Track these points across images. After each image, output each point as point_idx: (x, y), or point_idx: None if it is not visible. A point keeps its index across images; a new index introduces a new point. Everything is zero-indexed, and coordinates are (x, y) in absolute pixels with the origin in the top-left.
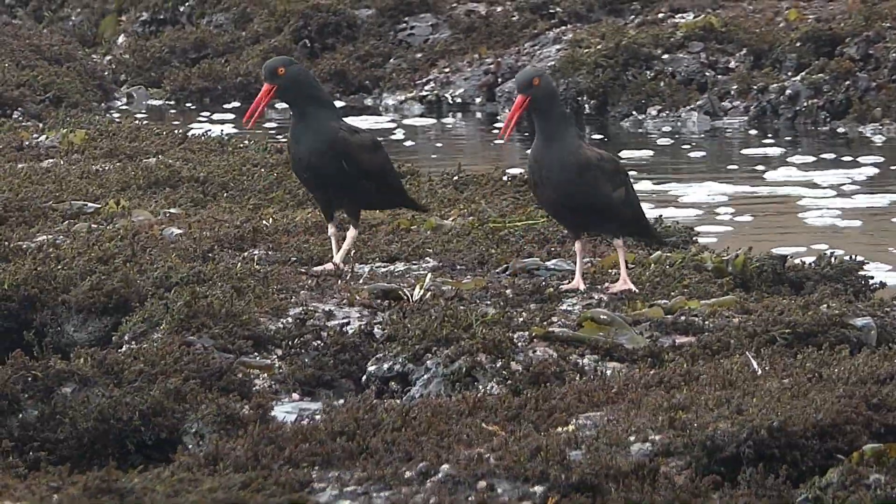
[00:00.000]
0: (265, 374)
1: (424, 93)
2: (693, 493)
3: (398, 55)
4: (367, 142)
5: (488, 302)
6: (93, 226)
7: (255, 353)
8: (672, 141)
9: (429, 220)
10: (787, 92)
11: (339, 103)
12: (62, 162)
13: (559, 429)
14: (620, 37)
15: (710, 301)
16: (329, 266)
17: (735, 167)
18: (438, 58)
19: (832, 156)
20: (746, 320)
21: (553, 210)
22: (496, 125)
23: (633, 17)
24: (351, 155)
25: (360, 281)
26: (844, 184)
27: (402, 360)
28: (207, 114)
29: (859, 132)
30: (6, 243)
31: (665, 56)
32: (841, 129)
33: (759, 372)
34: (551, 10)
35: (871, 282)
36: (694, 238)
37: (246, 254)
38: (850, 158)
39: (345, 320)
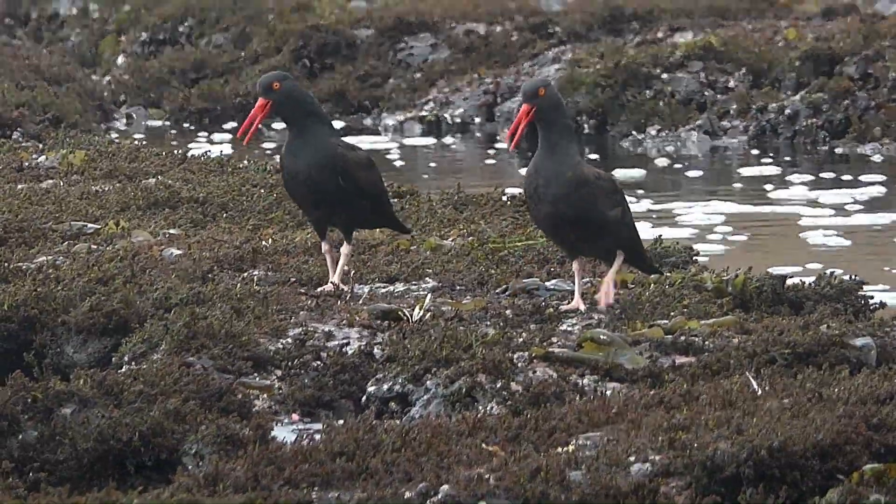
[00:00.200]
0: (265, 395)
1: (424, 113)
2: None
3: (397, 75)
4: (363, 159)
5: (488, 322)
6: (92, 246)
7: (255, 374)
8: (671, 160)
9: (428, 240)
10: (787, 111)
11: (338, 123)
12: (62, 183)
13: (559, 449)
14: (620, 56)
15: (709, 321)
16: (329, 287)
17: (734, 186)
18: (438, 78)
19: (832, 175)
20: (746, 340)
21: (548, 226)
22: (496, 145)
23: (632, 36)
24: (349, 172)
25: (360, 301)
26: (844, 203)
27: (402, 381)
28: (206, 134)
29: (859, 151)
30: (6, 264)
31: (664, 75)
32: (840, 149)
33: (759, 392)
34: (550, 30)
35: (870, 302)
36: (694, 258)
37: (245, 274)
38: (849, 178)
39: (344, 341)
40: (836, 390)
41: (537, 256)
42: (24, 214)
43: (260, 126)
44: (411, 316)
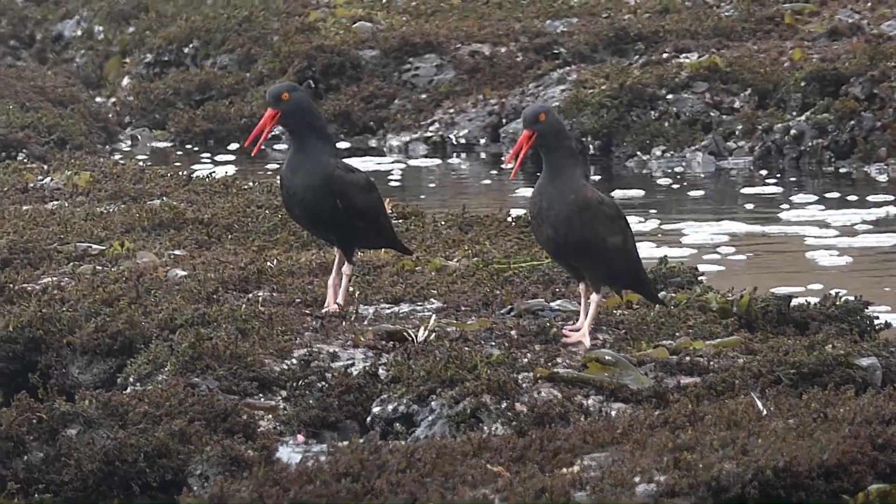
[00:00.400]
0: (270, 416)
1: (429, 133)
2: None
3: (403, 96)
4: (361, 181)
5: (493, 343)
6: (97, 267)
7: (260, 395)
8: (676, 181)
9: (433, 261)
10: (792, 132)
11: (343, 144)
12: (67, 204)
13: (564, 470)
14: (625, 77)
15: (714, 341)
16: (333, 308)
17: (739, 207)
18: (443, 98)
19: (837, 195)
20: (751, 360)
21: (550, 249)
22: (501, 165)
23: (637, 57)
24: (346, 194)
25: (365, 322)
26: (849, 223)
27: (407, 402)
28: (209, 155)
29: (864, 172)
30: (11, 285)
31: (669, 96)
32: (846, 169)
33: (765, 412)
34: (555, 51)
35: (875, 322)
36: (698, 278)
37: (250, 295)
38: (855, 198)
39: (349, 361)
40: (841, 410)
41: (542, 277)
42: (29, 235)
43: (265, 144)
44: (416, 336)
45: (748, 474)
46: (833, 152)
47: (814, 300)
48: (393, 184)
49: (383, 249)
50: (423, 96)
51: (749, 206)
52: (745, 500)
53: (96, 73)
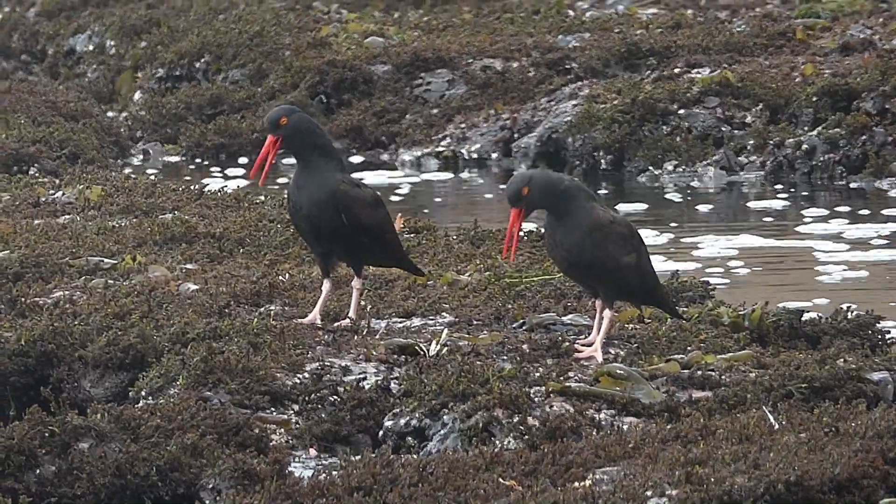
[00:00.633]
0: (282, 430)
1: (441, 148)
2: None
3: (414, 111)
4: (367, 197)
5: (505, 357)
6: (109, 282)
7: (272, 409)
8: (688, 195)
9: (445, 275)
10: (804, 147)
11: (356, 158)
12: (79, 218)
13: (576, 484)
14: (636, 92)
15: (726, 355)
16: (345, 322)
17: (751, 221)
18: (455, 113)
19: (849, 210)
20: (763, 375)
21: (563, 267)
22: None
23: (648, 72)
24: (351, 209)
25: (377, 336)
26: (861, 238)
27: (419, 416)
28: (219, 169)
29: (876, 186)
30: (23, 299)
31: (681, 111)
32: (857, 184)
33: (776, 426)
34: (567, 66)
35: (887, 336)
36: (710, 292)
37: (262, 309)
38: (866, 212)
39: (361, 375)
40: (852, 425)
41: (554, 291)
42: (41, 250)
43: (274, 162)
44: (428, 351)
45: (760, 488)
46: (845, 167)
47: (825, 314)
48: (405, 198)
49: (394, 269)
50: (435, 111)
51: (760, 221)
52: None
53: (108, 87)
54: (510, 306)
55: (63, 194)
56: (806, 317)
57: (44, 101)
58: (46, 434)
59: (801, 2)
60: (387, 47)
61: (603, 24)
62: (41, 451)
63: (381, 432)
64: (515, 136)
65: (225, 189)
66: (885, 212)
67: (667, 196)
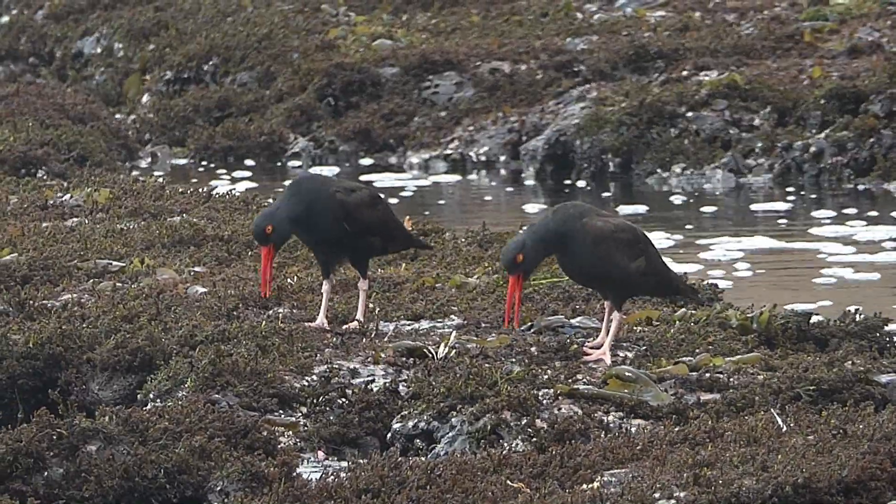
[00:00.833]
0: (290, 432)
1: (449, 151)
2: None
3: (422, 113)
4: (365, 198)
5: (513, 360)
6: (117, 284)
7: (280, 411)
8: (696, 198)
9: (453, 278)
10: (812, 149)
11: (363, 161)
12: (87, 221)
13: (584, 486)
14: (644, 95)
15: (734, 358)
16: (354, 324)
17: (759, 224)
18: (463, 116)
19: (857, 212)
20: (771, 377)
21: (579, 282)
22: (520, 183)
23: (657, 75)
24: (352, 214)
25: (385, 339)
26: (869, 240)
27: (427, 418)
28: (226, 171)
29: (884, 189)
30: (31, 302)
31: (689, 114)
32: (865, 186)
33: (784, 429)
34: (575, 69)
35: (895, 339)
36: (719, 295)
37: (270, 312)
38: (874, 214)
39: (370, 378)
40: (860, 427)
41: (562, 294)
42: (49, 252)
43: (281, 162)
44: (436, 353)
45: (768, 490)
46: (852, 170)
47: (833, 317)
48: (412, 201)
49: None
50: (443, 114)
51: (768, 223)
52: None
53: (116, 90)
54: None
55: (71, 197)
56: (814, 319)
57: (52, 104)
58: (54, 436)
59: (808, 4)
60: (395, 50)
61: (611, 26)
62: (49, 453)
63: (389, 435)
64: (524, 138)
65: (233, 192)
66: (893, 214)
67: (674, 199)
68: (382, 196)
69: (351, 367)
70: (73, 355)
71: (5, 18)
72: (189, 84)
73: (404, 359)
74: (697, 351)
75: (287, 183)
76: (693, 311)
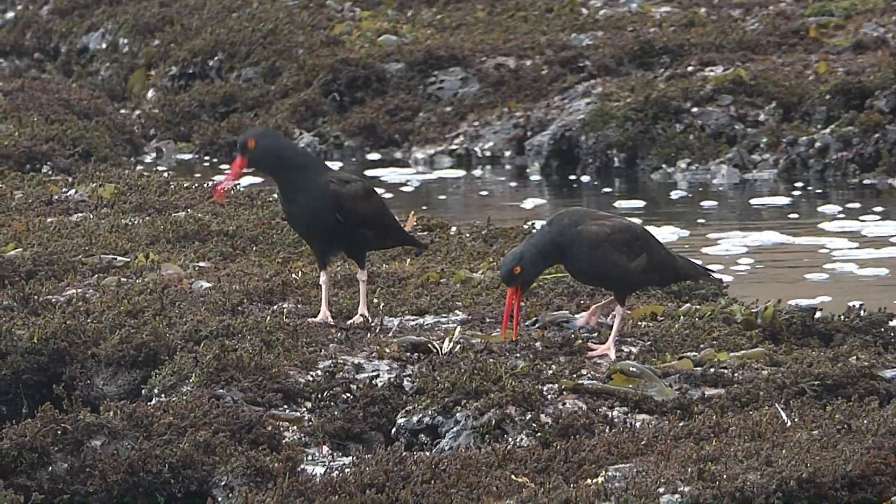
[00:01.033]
0: (295, 427)
1: (454, 146)
2: None
3: (428, 109)
4: (359, 190)
5: (518, 355)
6: (122, 279)
7: (285, 406)
8: (701, 193)
9: (458, 273)
10: (817, 145)
11: (370, 156)
12: (91, 216)
13: (589, 481)
14: (650, 90)
15: (739, 353)
16: (358, 319)
17: (763, 219)
18: (468, 111)
19: (862, 208)
20: (775, 372)
21: (580, 280)
22: (526, 178)
23: (662, 70)
24: (345, 206)
25: (390, 334)
26: (873, 235)
27: (432, 413)
28: (229, 166)
29: (889, 184)
30: (36, 297)
31: (694, 109)
32: (870, 182)
33: (788, 423)
34: (581, 64)
35: None
36: (723, 290)
37: (275, 307)
38: (880, 209)
39: (374, 373)
40: (865, 422)
41: (567, 289)
42: (54, 248)
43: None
44: (441, 348)
45: (772, 485)
46: (858, 165)
47: (838, 312)
48: (417, 196)
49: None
50: (448, 109)
51: (773, 219)
52: None
53: (121, 85)
54: (523, 304)
55: (76, 192)
56: (818, 314)
57: (57, 100)
58: (59, 431)
59: (814, 0)
60: (400, 45)
61: (616, 22)
62: (54, 448)
63: (393, 430)
64: (529, 133)
65: (238, 187)
66: None
67: (679, 194)
68: (376, 190)
69: (355, 362)
70: (77, 350)
71: (10, 14)
72: (194, 79)
73: (409, 354)
74: (702, 346)
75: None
76: (698, 307)
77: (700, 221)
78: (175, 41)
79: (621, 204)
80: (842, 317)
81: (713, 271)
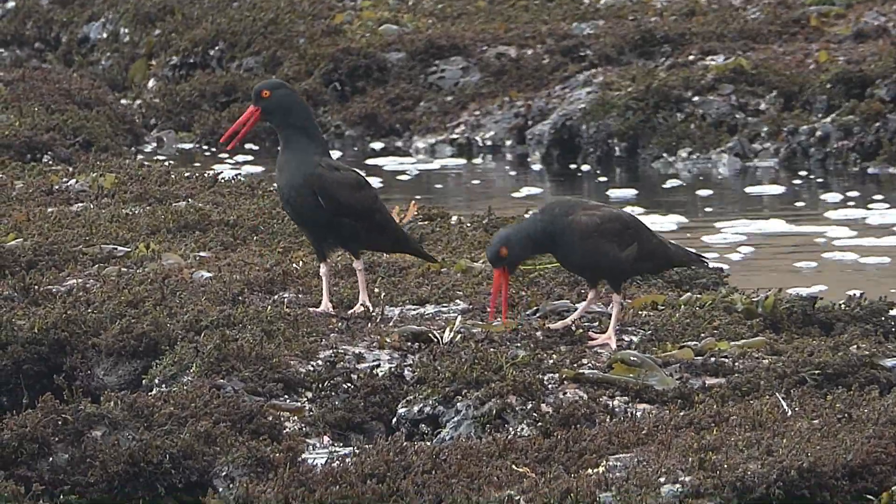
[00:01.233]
0: (295, 417)
1: (455, 135)
2: None
3: (429, 98)
4: (347, 179)
5: (518, 344)
6: (123, 269)
7: (286, 396)
8: (702, 182)
9: (459, 262)
10: (818, 133)
11: (373, 145)
12: (92, 206)
13: (589, 470)
14: (651, 79)
15: (739, 342)
16: (359, 308)
17: (765, 208)
18: (469, 101)
19: (863, 197)
20: (776, 361)
21: (571, 271)
22: (526, 168)
23: (663, 59)
24: (327, 192)
25: (391, 324)
26: (874, 224)
27: (433, 403)
28: (227, 155)
29: (890, 173)
30: (36, 287)
31: (695, 98)
32: (872, 170)
33: (789, 413)
34: (582, 53)
35: None
36: (724, 279)
37: (276, 297)
38: (880, 198)
39: (375, 363)
40: (865, 411)
41: (568, 278)
42: (55, 237)
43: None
44: (442, 338)
45: (773, 475)
46: (858, 154)
47: (839, 301)
48: (418, 185)
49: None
50: (449, 98)
51: (774, 208)
52: (770, 500)
53: (122, 75)
54: (524, 293)
55: (76, 182)
56: (819, 303)
57: (57, 89)
58: (59, 422)
59: None
60: (401, 35)
61: (617, 11)
62: (54, 438)
63: (394, 419)
64: (530, 123)
65: (239, 177)
66: None
67: (679, 183)
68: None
69: (356, 351)
70: (78, 340)
71: (11, 3)
72: (195, 69)
73: (410, 343)
74: (703, 335)
75: None
76: (698, 296)
77: (700, 210)
78: (176, 31)
79: (621, 193)
80: (842, 306)
81: (706, 258)
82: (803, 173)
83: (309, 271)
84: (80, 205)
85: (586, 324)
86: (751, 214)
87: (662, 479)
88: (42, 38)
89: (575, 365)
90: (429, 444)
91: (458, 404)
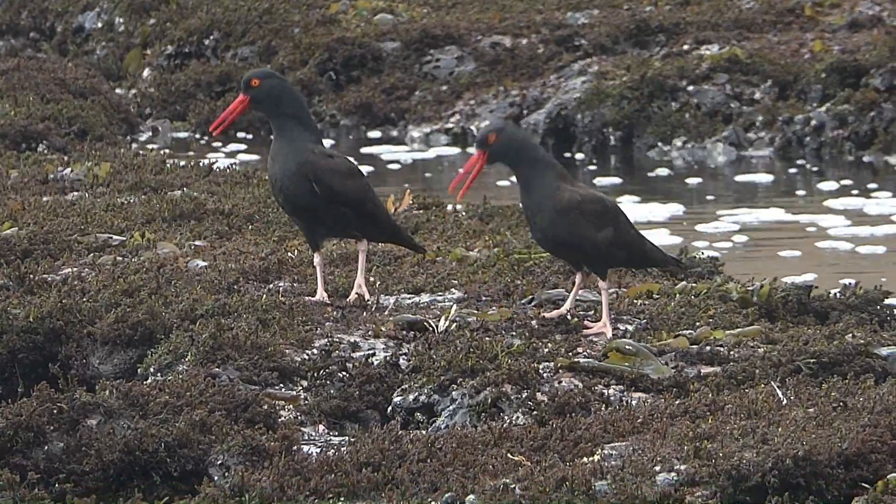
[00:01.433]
0: (291, 406)
1: (450, 125)
2: None
3: (424, 88)
4: (340, 167)
5: (514, 333)
6: (118, 258)
7: (281, 385)
8: (697, 171)
9: (454, 251)
10: (813, 122)
11: (372, 134)
12: (87, 195)
13: (585, 459)
14: (646, 69)
15: (735, 331)
16: (353, 296)
17: (759, 197)
18: (464, 90)
19: (857, 186)
20: (771, 350)
21: (548, 250)
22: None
23: (658, 49)
24: (320, 178)
25: (386, 312)
26: (870, 213)
27: (428, 391)
28: (220, 144)
29: (885, 161)
30: (31, 276)
31: (690, 87)
32: (866, 159)
33: (784, 401)
34: (576, 43)
35: (895, 312)
36: (719, 268)
37: (271, 286)
38: (874, 187)
39: (370, 351)
40: (860, 400)
41: (563, 267)
42: (50, 227)
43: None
44: (437, 327)
45: (768, 463)
46: (853, 143)
47: (834, 290)
48: (412, 174)
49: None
50: (444, 88)
51: (768, 196)
52: (765, 488)
53: (117, 64)
54: (519, 282)
55: (72, 171)
56: (814, 292)
57: (52, 79)
58: (55, 411)
59: None
60: (396, 24)
61: (612, 0)
62: (49, 427)
63: (389, 408)
64: (525, 112)
65: (234, 166)
66: (892, 187)
67: (674, 172)
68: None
69: (351, 340)
70: (73, 329)
71: None
72: (190, 58)
73: (405, 332)
74: (698, 324)
75: None
76: (693, 285)
77: (695, 199)
78: (171, 20)
79: (614, 181)
80: (838, 294)
81: (682, 261)
82: (798, 162)
83: (304, 260)
84: (76, 194)
85: (581, 312)
86: (746, 203)
87: (658, 468)
88: (37, 28)
89: (570, 354)
90: (424, 432)
91: (454, 393)
